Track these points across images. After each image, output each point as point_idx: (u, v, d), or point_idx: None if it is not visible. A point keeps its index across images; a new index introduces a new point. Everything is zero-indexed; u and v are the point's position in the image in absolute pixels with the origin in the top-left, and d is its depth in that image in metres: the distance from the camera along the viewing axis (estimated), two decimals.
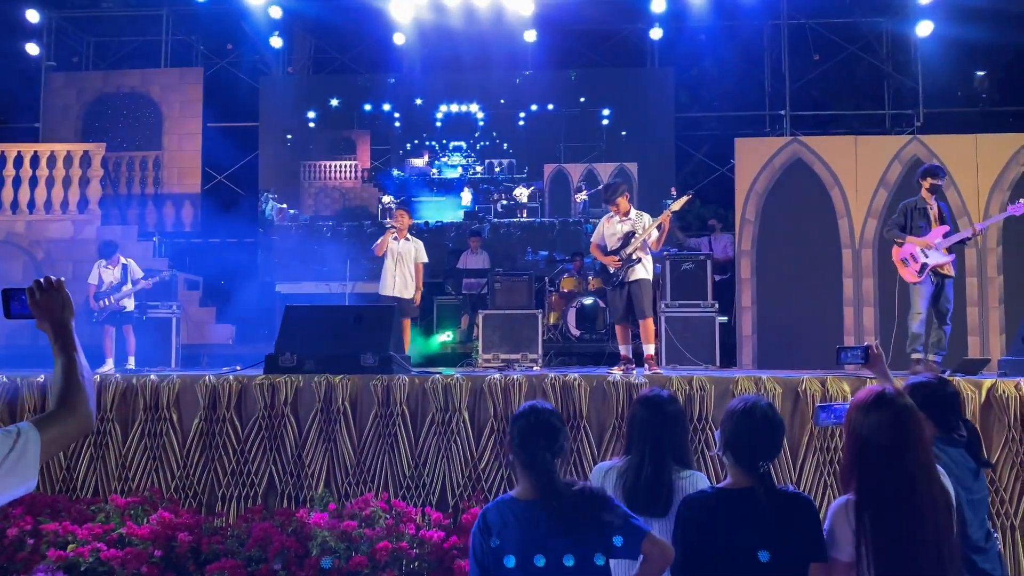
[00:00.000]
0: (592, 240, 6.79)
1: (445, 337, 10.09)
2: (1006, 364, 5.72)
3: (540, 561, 2.42)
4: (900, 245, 6.48)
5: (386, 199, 12.32)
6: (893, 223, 6.61)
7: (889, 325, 8.49)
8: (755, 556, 2.36)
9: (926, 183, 6.51)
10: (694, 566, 2.45)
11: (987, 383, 5.01)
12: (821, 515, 2.49)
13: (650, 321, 6.47)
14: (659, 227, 6.35)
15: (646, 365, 6.39)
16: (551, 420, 2.62)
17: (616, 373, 5.74)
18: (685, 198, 6.64)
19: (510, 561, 2.44)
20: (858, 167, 8.84)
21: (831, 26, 12.06)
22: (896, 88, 12.34)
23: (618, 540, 2.46)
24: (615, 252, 6.45)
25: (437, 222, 12.31)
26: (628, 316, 6.48)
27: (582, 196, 12.12)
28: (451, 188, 12.45)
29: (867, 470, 2.35)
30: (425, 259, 8.02)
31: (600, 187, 11.70)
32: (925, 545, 2.26)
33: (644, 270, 6.41)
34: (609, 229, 6.59)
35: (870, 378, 5.05)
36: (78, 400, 1.81)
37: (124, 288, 7.85)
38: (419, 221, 12.26)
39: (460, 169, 12.45)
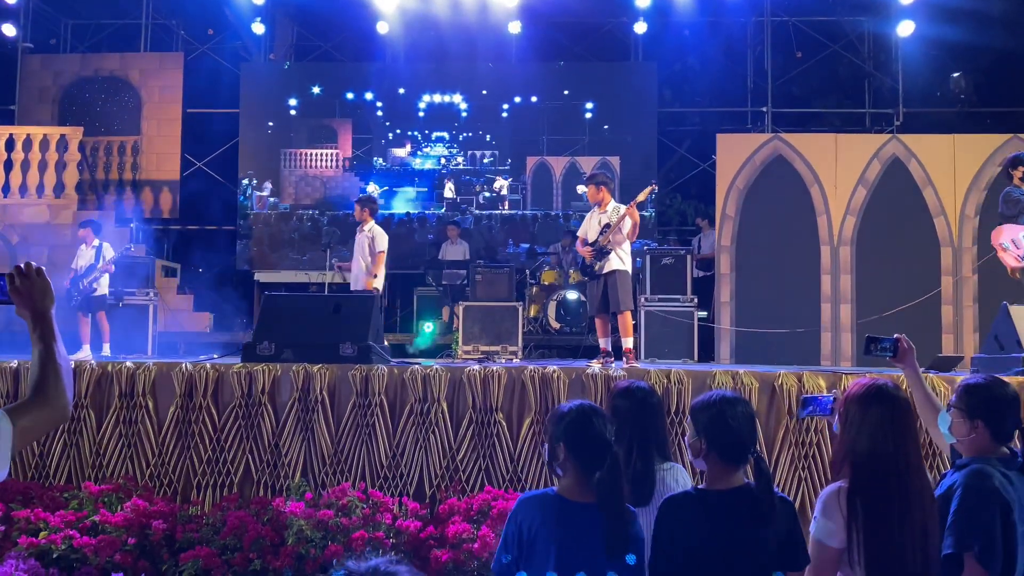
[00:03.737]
0: (578, 234, 6.86)
1: (428, 328, 10.08)
2: (979, 362, 5.80)
3: (575, 562, 2.39)
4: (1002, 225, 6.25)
5: (370, 188, 12.27)
6: (1015, 209, 6.30)
7: (866, 322, 8.59)
8: (734, 559, 2.34)
9: (1018, 172, 6.33)
10: (673, 566, 2.41)
11: (959, 380, 5.07)
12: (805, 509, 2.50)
13: (627, 314, 6.49)
14: (627, 220, 6.38)
15: (624, 359, 6.42)
16: (607, 419, 2.57)
17: (595, 366, 5.76)
18: (648, 189, 6.69)
19: (547, 557, 2.39)
20: (838, 165, 8.92)
21: (814, 24, 12.14)
22: (876, 87, 12.46)
23: (631, 559, 2.42)
24: (593, 244, 6.51)
25: (419, 213, 12.28)
26: (605, 308, 6.50)
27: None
28: (432, 179, 12.41)
29: (862, 460, 2.38)
30: (380, 248, 7.86)
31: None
32: (914, 534, 2.31)
33: (619, 261, 6.43)
34: (591, 222, 6.65)
35: (850, 372, 5.11)
36: (54, 390, 1.79)
37: (94, 272, 7.74)
38: (401, 212, 12.22)
39: (443, 160, 12.41)
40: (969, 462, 2.56)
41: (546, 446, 2.61)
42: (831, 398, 2.76)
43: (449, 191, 12.31)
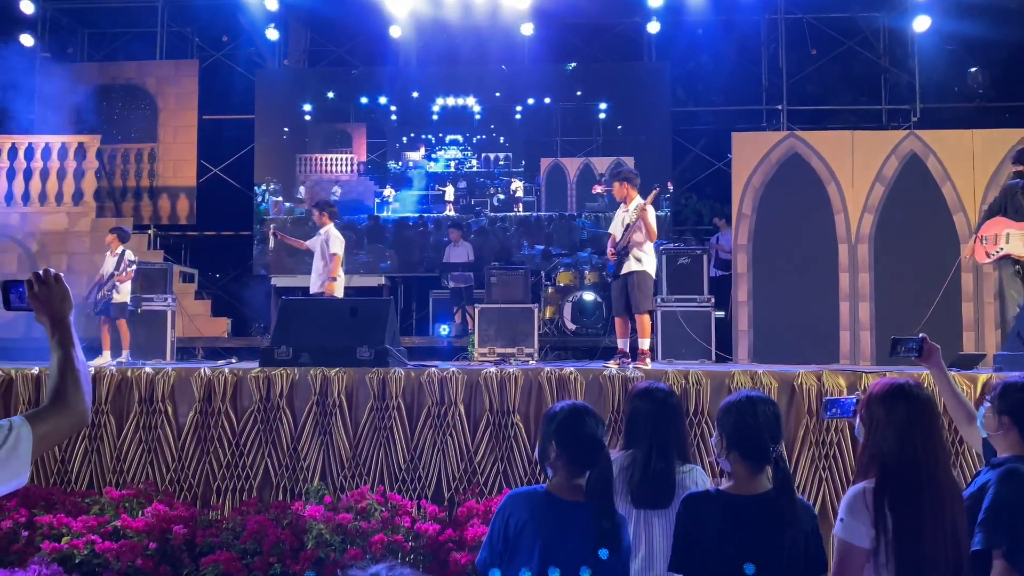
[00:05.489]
0: (610, 231, 6.85)
1: (444, 331, 10.10)
2: (1001, 359, 5.73)
3: (559, 560, 2.38)
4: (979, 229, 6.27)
5: (385, 192, 12.30)
6: (988, 205, 6.36)
7: (885, 320, 8.51)
8: (752, 564, 2.32)
9: (1018, 168, 6.26)
10: (692, 563, 2.40)
11: (982, 377, 5.02)
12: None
13: (646, 316, 6.45)
14: (640, 220, 6.34)
15: (639, 359, 6.38)
16: (599, 420, 2.58)
17: (612, 367, 5.74)
18: (653, 192, 6.60)
19: (531, 553, 2.39)
20: (854, 162, 8.84)
21: (828, 21, 12.06)
22: (893, 83, 12.35)
23: (603, 553, 2.41)
24: (616, 245, 6.51)
25: (433, 216, 12.29)
26: (625, 309, 6.48)
27: (599, 189, 12.05)
28: (444, 182, 12.42)
29: (888, 460, 2.35)
30: (333, 250, 7.87)
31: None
32: (944, 533, 2.28)
33: (636, 262, 6.39)
34: (617, 221, 6.66)
35: (869, 371, 5.06)
36: (73, 396, 1.79)
37: (112, 279, 7.76)
38: (415, 215, 12.24)
39: (453, 164, 12.41)
40: (1005, 461, 2.54)
41: (537, 445, 2.63)
42: (853, 400, 2.75)
43: (450, 194, 12.30)
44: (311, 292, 7.96)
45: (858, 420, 2.53)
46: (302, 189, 12.27)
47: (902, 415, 2.36)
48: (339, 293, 7.91)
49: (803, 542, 2.36)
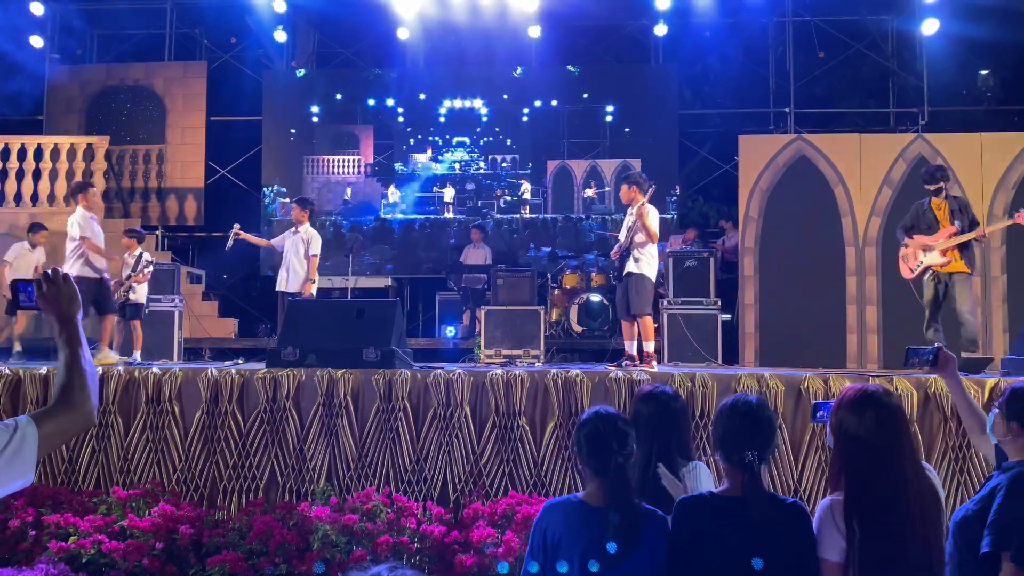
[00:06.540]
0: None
1: (450, 332, 10.11)
2: (1009, 363, 5.71)
3: (594, 567, 2.40)
4: (905, 246, 6.57)
5: (390, 192, 12.33)
6: (900, 224, 6.68)
7: (892, 323, 8.49)
8: (746, 565, 2.33)
9: (929, 187, 6.58)
10: (687, 567, 2.42)
11: (990, 382, 5.01)
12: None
13: (647, 319, 6.41)
14: (639, 222, 6.33)
15: (643, 362, 6.36)
16: (618, 424, 2.59)
17: (615, 370, 5.73)
18: (650, 191, 6.56)
19: (563, 566, 2.43)
20: (862, 165, 8.83)
21: (836, 23, 12.04)
22: (901, 86, 12.32)
23: (640, 559, 2.42)
24: (620, 247, 6.51)
25: (440, 218, 12.30)
26: (627, 312, 6.46)
27: (589, 192, 12.05)
28: (452, 184, 12.43)
29: (855, 470, 2.34)
30: (315, 252, 7.94)
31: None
32: (914, 543, 2.27)
33: (634, 264, 6.37)
34: (625, 222, 6.64)
35: (874, 376, 5.05)
36: (79, 395, 1.79)
37: (128, 280, 7.81)
38: (419, 216, 12.26)
39: (458, 166, 12.41)
40: (1015, 465, 2.53)
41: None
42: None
43: (448, 196, 12.30)
44: (281, 290, 7.96)
45: (828, 428, 2.52)
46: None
47: (871, 423, 2.35)
48: (314, 294, 7.99)
49: (790, 543, 2.35)
